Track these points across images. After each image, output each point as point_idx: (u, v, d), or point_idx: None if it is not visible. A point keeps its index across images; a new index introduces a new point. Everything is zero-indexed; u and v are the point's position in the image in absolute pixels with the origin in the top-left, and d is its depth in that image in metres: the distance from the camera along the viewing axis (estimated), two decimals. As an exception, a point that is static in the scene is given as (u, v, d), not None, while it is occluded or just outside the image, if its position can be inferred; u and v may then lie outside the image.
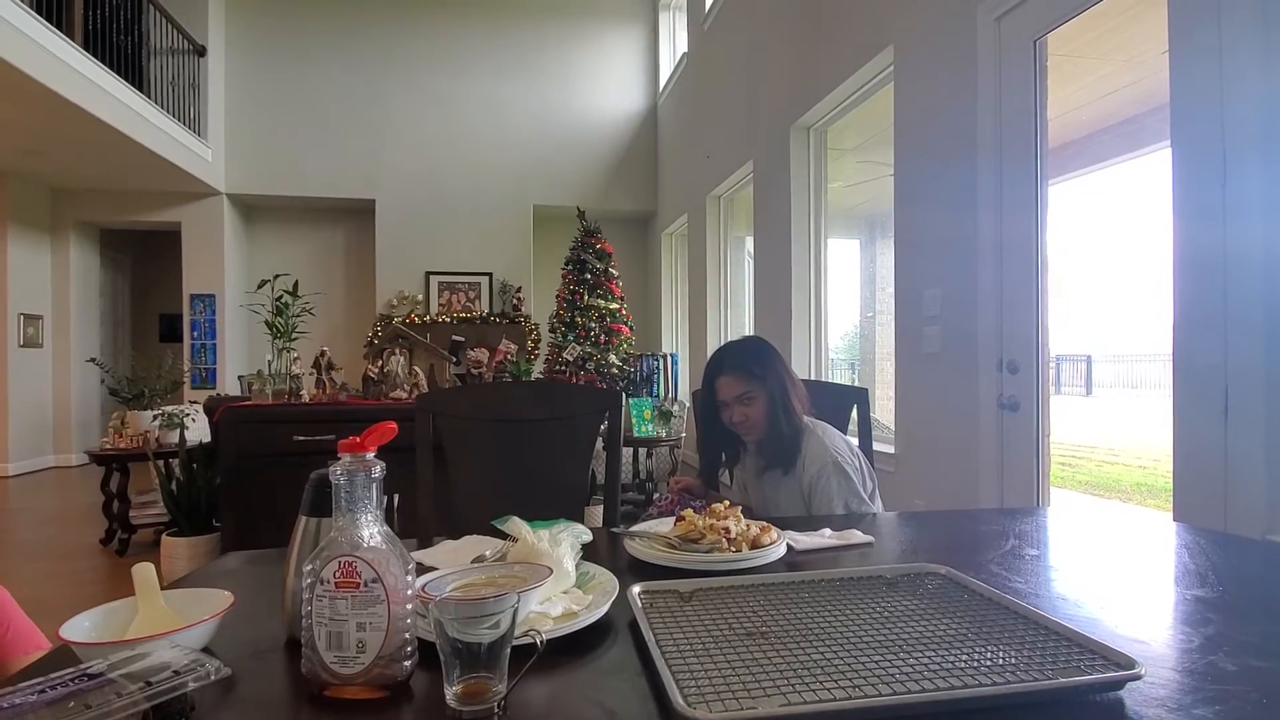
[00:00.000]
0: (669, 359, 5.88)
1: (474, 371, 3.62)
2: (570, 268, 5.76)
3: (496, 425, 1.60)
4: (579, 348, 5.45)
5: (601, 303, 5.60)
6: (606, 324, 5.57)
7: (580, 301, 5.61)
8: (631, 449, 4.82)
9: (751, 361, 1.64)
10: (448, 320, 7.14)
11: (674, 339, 7.33)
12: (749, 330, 5.28)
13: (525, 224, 7.59)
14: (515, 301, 7.38)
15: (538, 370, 6.50)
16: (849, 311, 5.20)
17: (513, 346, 3.80)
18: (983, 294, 2.52)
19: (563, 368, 5.48)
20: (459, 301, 7.43)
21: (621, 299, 5.76)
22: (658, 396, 5.57)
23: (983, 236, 2.52)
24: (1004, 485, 2.45)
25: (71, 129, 5.22)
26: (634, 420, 4.76)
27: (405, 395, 3.15)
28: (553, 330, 5.79)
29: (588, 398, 1.66)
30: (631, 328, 5.81)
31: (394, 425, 0.70)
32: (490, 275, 7.49)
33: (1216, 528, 1.61)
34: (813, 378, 4.06)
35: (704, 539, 1.03)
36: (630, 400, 4.85)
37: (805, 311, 4.22)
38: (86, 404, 7.09)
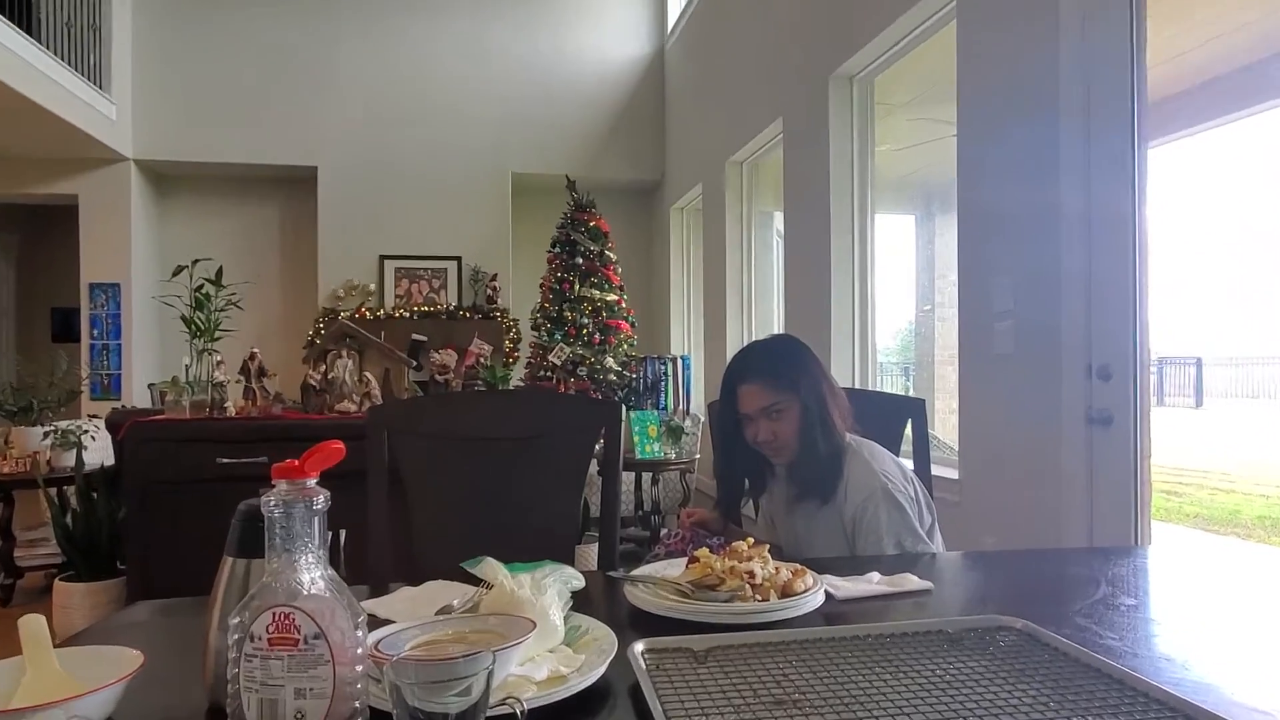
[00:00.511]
0: (679, 363, 5.89)
1: (439, 378, 3.63)
2: (558, 250, 5.77)
3: (466, 445, 1.60)
4: (568, 349, 5.46)
5: (596, 293, 5.60)
6: (602, 319, 5.58)
7: (570, 292, 5.62)
8: (633, 474, 4.83)
9: (781, 366, 1.64)
10: (407, 315, 7.16)
11: (685, 338, 7.34)
12: (778, 328, 5.28)
13: (502, 196, 7.61)
14: (490, 292, 7.39)
15: (518, 377, 6.50)
16: (902, 304, 5.20)
17: (487, 347, 3.82)
18: (1067, 283, 2.52)
19: (549, 373, 5.49)
20: (420, 292, 7.45)
21: (621, 289, 5.77)
22: (665, 409, 5.57)
23: (1066, 212, 2.52)
24: (1094, 518, 2.45)
25: (-56, 81, 5.25)
26: (636, 438, 4.77)
27: (354, 408, 3.17)
28: (536, 327, 5.80)
29: (579, 411, 1.67)
30: (633, 324, 5.81)
31: (340, 445, 0.70)
32: (459, 260, 7.51)
33: (1358, 572, 1.60)
34: (857, 386, 4.06)
35: (723, 585, 1.03)
36: (632, 414, 4.86)
37: (847, 304, 4.22)
38: (-38, 419, 7.13)
